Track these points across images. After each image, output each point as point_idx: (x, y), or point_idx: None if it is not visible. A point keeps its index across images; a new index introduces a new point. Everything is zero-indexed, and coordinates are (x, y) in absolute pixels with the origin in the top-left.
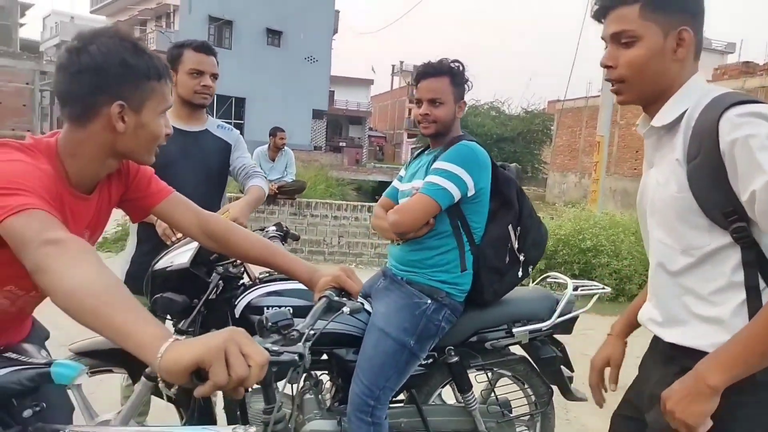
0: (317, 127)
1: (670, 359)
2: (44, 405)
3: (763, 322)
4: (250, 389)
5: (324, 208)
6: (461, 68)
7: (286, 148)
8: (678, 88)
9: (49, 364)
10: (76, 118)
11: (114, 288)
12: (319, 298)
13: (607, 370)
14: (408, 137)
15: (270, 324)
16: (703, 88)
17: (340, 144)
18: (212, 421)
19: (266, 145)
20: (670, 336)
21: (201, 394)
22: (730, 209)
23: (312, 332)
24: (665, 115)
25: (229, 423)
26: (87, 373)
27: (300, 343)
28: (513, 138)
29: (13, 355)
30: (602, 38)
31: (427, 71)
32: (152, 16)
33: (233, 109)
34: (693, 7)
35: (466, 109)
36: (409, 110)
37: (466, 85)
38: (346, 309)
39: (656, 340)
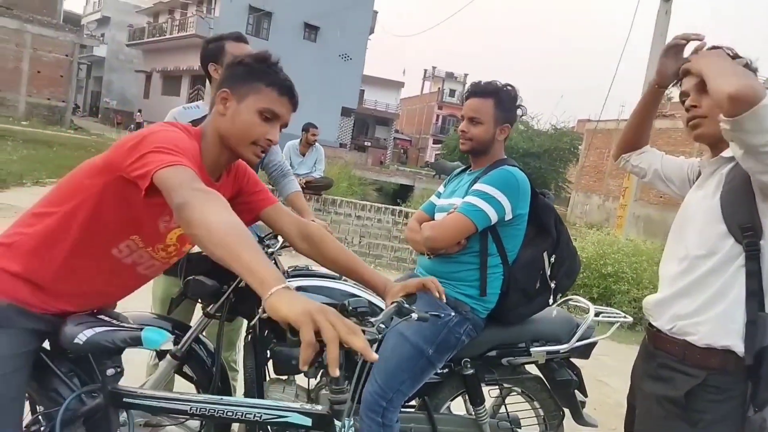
0: (344, 125)
1: (652, 356)
2: (123, 368)
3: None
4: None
5: (348, 207)
6: (511, 92)
7: (317, 144)
8: None
9: (140, 329)
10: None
11: (246, 233)
12: (392, 303)
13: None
14: (433, 143)
15: (351, 308)
16: None
17: (365, 143)
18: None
19: (298, 140)
20: (661, 323)
21: (293, 345)
22: (747, 225)
23: (383, 326)
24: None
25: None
26: (172, 341)
27: (374, 329)
28: (539, 154)
29: (107, 318)
30: (685, 90)
31: (474, 91)
32: (194, 1)
33: None
34: None
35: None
36: (437, 116)
37: (519, 110)
38: (414, 315)
39: (644, 345)
